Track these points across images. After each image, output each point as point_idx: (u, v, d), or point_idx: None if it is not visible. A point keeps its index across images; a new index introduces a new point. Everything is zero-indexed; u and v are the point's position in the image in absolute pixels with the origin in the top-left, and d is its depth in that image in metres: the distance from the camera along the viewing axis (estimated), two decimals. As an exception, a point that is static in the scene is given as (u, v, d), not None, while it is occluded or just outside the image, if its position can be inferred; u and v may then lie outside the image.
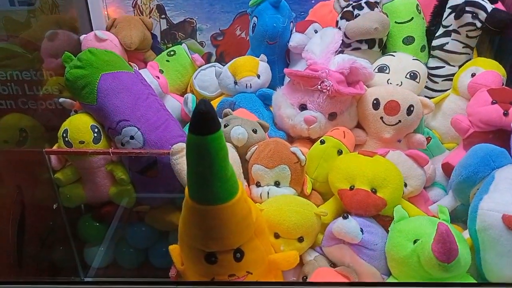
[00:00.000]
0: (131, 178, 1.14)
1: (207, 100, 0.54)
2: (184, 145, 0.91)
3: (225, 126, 0.96)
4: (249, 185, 0.94)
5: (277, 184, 0.90)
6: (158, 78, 1.25)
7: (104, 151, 1.07)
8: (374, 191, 0.81)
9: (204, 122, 0.53)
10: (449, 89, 1.15)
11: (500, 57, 1.16)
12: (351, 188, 0.83)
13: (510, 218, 0.68)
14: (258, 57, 1.18)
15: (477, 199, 0.76)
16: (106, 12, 1.42)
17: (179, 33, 1.46)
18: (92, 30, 1.38)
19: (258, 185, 0.92)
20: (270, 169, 0.89)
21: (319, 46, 1.06)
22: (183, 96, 1.34)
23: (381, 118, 1.00)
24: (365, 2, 1.15)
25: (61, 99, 1.19)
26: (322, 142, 0.95)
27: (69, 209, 1.15)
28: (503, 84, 1.04)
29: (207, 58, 1.49)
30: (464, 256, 0.69)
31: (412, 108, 0.98)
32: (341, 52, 1.18)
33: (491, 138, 0.94)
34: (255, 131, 0.96)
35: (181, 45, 1.38)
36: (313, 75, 0.98)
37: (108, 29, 1.36)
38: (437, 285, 0.68)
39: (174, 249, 0.72)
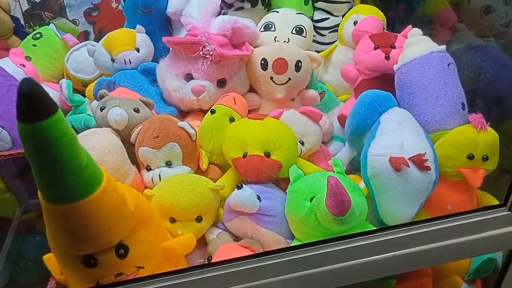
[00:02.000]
0: (7, 184, 1.00)
1: (31, 78, 0.45)
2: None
3: (102, 109, 0.86)
4: (139, 171, 0.86)
5: (168, 164, 0.83)
6: (24, 66, 1.08)
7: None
8: (267, 154, 0.77)
9: (31, 106, 0.43)
10: (336, 40, 1.14)
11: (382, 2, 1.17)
12: (244, 156, 0.78)
13: (396, 160, 0.68)
14: (134, 27, 1.06)
15: (366, 146, 0.75)
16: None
17: (46, 13, 1.28)
18: None
19: (148, 168, 0.83)
20: (158, 149, 0.81)
21: (197, 9, 0.98)
22: (60, 83, 1.19)
23: (271, 78, 0.96)
24: (240, -42, 1.08)
25: None
26: (213, 112, 0.89)
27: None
28: (384, 29, 1.04)
29: (85, 38, 1.33)
30: (359, 205, 0.68)
31: (300, 64, 0.95)
32: (225, 14, 1.11)
33: (378, 84, 0.94)
34: (137, 110, 0.86)
35: (48, 25, 1.22)
36: (193, 41, 0.90)
37: (-47, 15, 1.15)
38: (339, 239, 0.66)
39: (49, 258, 0.63)
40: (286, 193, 0.77)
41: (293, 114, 0.91)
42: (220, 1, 1.00)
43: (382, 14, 1.07)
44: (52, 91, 1.14)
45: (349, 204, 0.63)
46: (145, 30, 1.06)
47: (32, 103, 0.43)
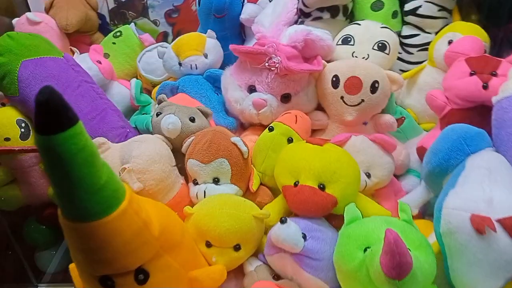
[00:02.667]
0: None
1: (51, 86, 0.41)
2: (103, 140, 0.78)
3: (158, 114, 0.83)
4: (187, 182, 0.82)
5: (216, 181, 0.77)
6: (100, 63, 1.11)
7: (32, 149, 0.95)
8: (322, 187, 0.68)
9: (46, 117, 0.40)
10: (425, 60, 1.00)
11: (489, 20, 1.00)
12: (296, 185, 0.69)
13: (480, 219, 0.54)
14: (206, 32, 1.03)
15: (442, 194, 0.62)
16: (46, -8, 1.28)
17: (129, 12, 1.31)
18: (29, 11, 1.24)
19: (195, 182, 0.79)
20: (206, 164, 0.76)
21: (269, 17, 0.91)
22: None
23: (342, 97, 0.86)
24: (325, -36, 0.99)
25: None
26: (270, 129, 0.82)
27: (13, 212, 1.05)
28: (485, 52, 0.88)
29: (164, 39, 1.34)
30: (424, 267, 0.55)
31: (376, 85, 0.84)
32: (301, 23, 1.03)
33: (470, 117, 0.80)
34: (192, 120, 0.82)
35: (129, 25, 1.24)
36: (259, 51, 0.84)
37: (47, 10, 1.22)
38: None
39: (73, 268, 0.60)
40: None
41: (362, 141, 0.80)
42: (295, 10, 0.92)
43: (485, 34, 0.90)
44: (124, 89, 1.16)
45: (409, 267, 0.51)
46: (216, 36, 1.02)
47: (47, 114, 0.39)
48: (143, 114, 1.08)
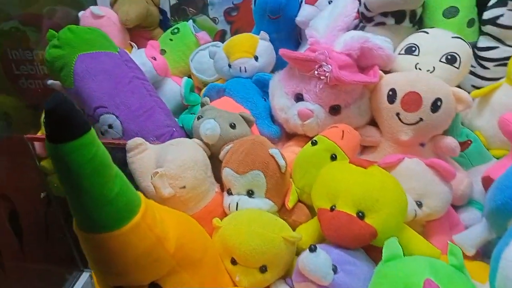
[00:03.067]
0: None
1: (61, 94, 0.39)
2: (141, 140, 0.77)
3: (199, 118, 0.81)
4: (223, 190, 0.79)
5: (250, 193, 0.73)
6: (154, 59, 1.11)
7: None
8: (361, 215, 0.61)
9: (54, 125, 0.38)
10: (503, 77, 0.87)
11: None
12: (332, 209, 0.63)
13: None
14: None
15: (503, 241, 0.52)
16: (113, -14, 1.31)
17: (190, 8, 1.31)
18: (96, 5, 1.28)
19: (229, 192, 0.75)
20: (241, 175, 0.72)
21: (325, 21, 0.85)
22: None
23: (397, 114, 0.77)
24: (392, -35, 0.89)
25: (49, 81, 1.11)
26: (314, 143, 0.76)
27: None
28: None
29: (221, 37, 1.32)
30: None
31: (439, 103, 0.74)
32: (362, 28, 0.95)
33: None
34: (233, 126, 0.79)
35: (187, 21, 1.23)
36: (308, 57, 0.78)
37: (112, 4, 1.25)
38: None
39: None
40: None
41: (416, 165, 0.72)
42: (354, 14, 0.84)
43: None
44: (177, 86, 1.15)
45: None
46: (269, 38, 0.98)
47: (55, 122, 0.38)
48: (192, 114, 1.07)
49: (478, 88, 0.91)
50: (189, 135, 1.01)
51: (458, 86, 0.81)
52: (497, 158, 0.84)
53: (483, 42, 0.89)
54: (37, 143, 1.05)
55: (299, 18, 0.96)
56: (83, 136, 0.39)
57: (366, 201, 0.61)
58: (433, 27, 0.91)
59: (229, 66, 0.96)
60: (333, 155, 0.74)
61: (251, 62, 0.94)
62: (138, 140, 0.76)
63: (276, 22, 0.98)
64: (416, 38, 0.87)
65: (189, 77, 1.22)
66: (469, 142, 0.84)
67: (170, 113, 1.03)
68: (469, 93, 0.89)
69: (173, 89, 1.15)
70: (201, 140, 0.78)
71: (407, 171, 0.72)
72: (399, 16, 0.90)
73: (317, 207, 0.66)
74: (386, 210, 0.61)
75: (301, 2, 0.99)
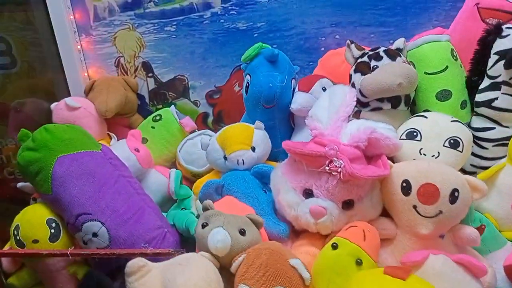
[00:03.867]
0: (98, 281, 0.92)
1: (95, 272, 0.31)
2: (143, 262, 0.67)
3: (203, 225, 0.73)
4: (236, 307, 0.69)
5: (271, 311, 0.65)
6: (138, 151, 1.04)
7: (62, 253, 0.86)
8: (409, 338, 0.54)
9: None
10: (503, 156, 0.88)
11: None
12: (375, 333, 0.56)
13: None
14: (253, 121, 0.95)
15: None
16: (86, 73, 1.25)
17: (170, 92, 1.27)
18: (69, 94, 1.21)
19: (246, 311, 0.66)
20: (262, 293, 0.64)
21: (326, 111, 0.82)
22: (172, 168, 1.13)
23: (415, 207, 0.74)
24: (384, 51, 0.91)
25: (20, 184, 1.00)
26: (334, 247, 0.70)
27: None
28: None
29: (203, 120, 1.28)
30: None
31: (456, 194, 0.72)
32: (358, 112, 0.94)
33: None
34: (242, 232, 0.72)
35: (169, 107, 1.19)
36: (319, 154, 0.74)
37: (87, 92, 1.19)
38: None
39: None
40: None
41: (444, 263, 0.67)
42: (354, 103, 0.83)
43: None
44: (162, 177, 1.08)
45: None
46: (264, 127, 0.94)
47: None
48: (182, 209, 0.99)
49: (477, 167, 0.91)
50: (181, 234, 0.93)
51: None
52: (511, 241, 0.82)
53: (478, 122, 0.91)
54: (5, 259, 0.92)
55: (294, 106, 0.94)
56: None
57: (414, 321, 0.55)
58: (427, 110, 0.92)
59: (225, 158, 0.91)
60: (358, 260, 0.68)
61: (248, 154, 0.90)
62: (139, 261, 0.66)
63: (270, 111, 0.95)
64: (416, 122, 0.86)
65: (174, 165, 1.15)
66: (483, 227, 0.81)
67: (159, 211, 0.94)
68: (469, 173, 0.90)
69: (158, 180, 1.07)
70: (208, 251, 0.70)
71: (435, 270, 0.67)
72: (395, 101, 0.90)
73: (355, 328, 0.59)
74: (436, 330, 0.54)
75: (294, 89, 0.98)
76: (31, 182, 0.90)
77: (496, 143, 0.88)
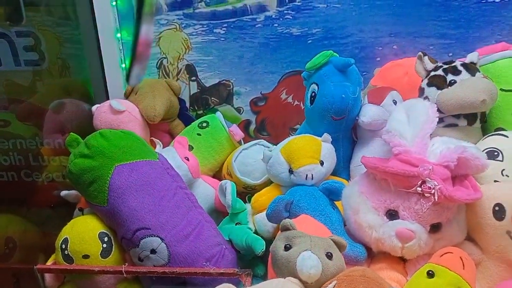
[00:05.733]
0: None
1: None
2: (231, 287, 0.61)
3: (286, 248, 0.67)
4: (322, 338, 0.64)
5: None
6: (188, 159, 0.98)
7: (116, 270, 0.80)
8: None
9: None
10: None
11: None
12: None
13: None
14: (317, 134, 0.90)
15: None
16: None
17: (212, 98, 1.21)
18: (107, 97, 1.14)
19: None
20: (360, 326, 0.59)
21: (407, 126, 0.78)
22: (214, 177, 1.07)
23: (508, 232, 0.70)
24: (461, 64, 0.87)
25: (64, 192, 0.93)
26: (430, 275, 0.65)
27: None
28: None
29: (245, 127, 1.22)
30: None
31: (556, 220, 0.68)
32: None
33: None
34: (329, 256, 0.66)
35: (213, 112, 1.13)
36: (411, 173, 0.69)
37: (127, 96, 1.12)
38: None
39: None
40: None
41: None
42: (437, 120, 0.78)
43: None
44: (209, 188, 1.02)
45: None
46: (331, 140, 0.89)
47: None
48: (237, 223, 0.92)
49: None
50: (238, 250, 0.87)
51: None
52: None
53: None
54: (48, 274, 0.85)
55: (365, 119, 0.89)
56: None
57: None
58: (500, 128, 0.88)
59: (290, 172, 0.85)
60: (460, 291, 0.63)
61: (318, 169, 0.84)
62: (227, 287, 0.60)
63: (338, 123, 0.90)
64: (496, 142, 0.82)
65: (217, 175, 1.09)
66: None
67: (216, 226, 0.88)
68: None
69: (206, 191, 1.02)
70: (295, 276, 0.64)
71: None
72: (471, 118, 0.86)
73: None
74: None
75: (362, 100, 0.93)
76: (83, 192, 0.83)
77: None
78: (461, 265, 0.65)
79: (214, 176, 1.10)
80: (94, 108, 1.04)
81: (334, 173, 0.94)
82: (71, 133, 0.85)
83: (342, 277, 0.64)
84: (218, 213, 1.01)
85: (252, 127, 1.23)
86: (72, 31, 1.14)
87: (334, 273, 0.65)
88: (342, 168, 0.96)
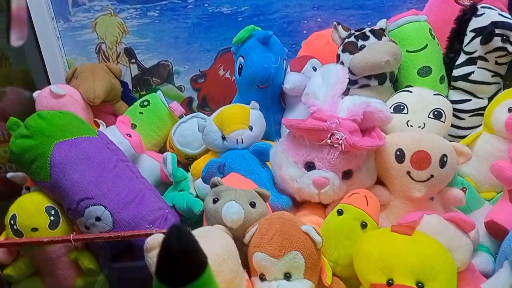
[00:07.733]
0: (101, 266, 0.92)
1: (182, 225, 0.34)
2: (162, 237, 0.69)
3: (214, 201, 0.75)
4: (250, 277, 0.73)
5: (287, 276, 0.69)
6: (130, 136, 1.04)
7: (64, 239, 0.85)
8: (420, 286, 0.60)
9: (180, 268, 0.32)
10: (478, 125, 0.96)
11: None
12: (389, 284, 0.62)
13: None
14: (247, 103, 0.98)
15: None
16: (65, 61, 1.22)
17: (154, 78, 1.26)
18: (49, 83, 1.17)
19: (262, 278, 0.70)
20: (278, 259, 0.68)
21: (322, 88, 0.87)
22: (161, 153, 1.14)
23: (408, 173, 0.80)
24: (369, 31, 0.96)
25: (10, 174, 0.97)
26: (340, 213, 0.75)
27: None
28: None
29: (188, 104, 1.29)
30: None
31: (445, 159, 0.79)
32: (347, 90, 0.99)
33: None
34: (253, 205, 0.75)
35: (155, 92, 1.18)
36: (321, 127, 0.78)
37: (68, 81, 1.16)
38: None
39: None
40: None
41: (438, 222, 0.73)
42: (347, 80, 0.88)
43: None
44: (154, 162, 1.08)
45: None
46: (259, 106, 0.97)
47: (182, 265, 0.32)
48: (179, 190, 1.00)
49: (455, 136, 0.99)
50: (181, 214, 0.95)
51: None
52: (488, 201, 0.91)
53: (455, 95, 0.99)
54: (1, 250, 0.89)
55: (288, 86, 0.98)
56: (204, 273, 0.34)
57: (423, 270, 0.61)
58: (409, 85, 0.99)
59: (223, 138, 0.93)
60: (363, 223, 0.73)
61: (247, 133, 0.92)
62: (158, 237, 0.68)
63: (264, 91, 0.98)
64: (402, 97, 0.93)
65: (163, 150, 1.15)
66: (464, 189, 0.89)
67: (159, 194, 0.95)
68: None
69: (151, 165, 1.08)
70: (223, 224, 0.73)
71: (430, 229, 0.73)
72: (381, 78, 0.96)
73: (369, 282, 0.64)
74: (443, 276, 0.61)
75: (286, 69, 1.01)
76: (26, 170, 0.88)
77: (472, 113, 0.96)
78: (365, 202, 0.76)
79: (160, 151, 1.16)
80: (35, 94, 1.08)
81: (267, 137, 1.03)
82: (11, 117, 0.89)
83: (262, 221, 0.72)
84: (165, 185, 1.08)
85: (195, 103, 1.29)
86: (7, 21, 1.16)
87: (257, 219, 0.74)
88: (274, 132, 1.05)
